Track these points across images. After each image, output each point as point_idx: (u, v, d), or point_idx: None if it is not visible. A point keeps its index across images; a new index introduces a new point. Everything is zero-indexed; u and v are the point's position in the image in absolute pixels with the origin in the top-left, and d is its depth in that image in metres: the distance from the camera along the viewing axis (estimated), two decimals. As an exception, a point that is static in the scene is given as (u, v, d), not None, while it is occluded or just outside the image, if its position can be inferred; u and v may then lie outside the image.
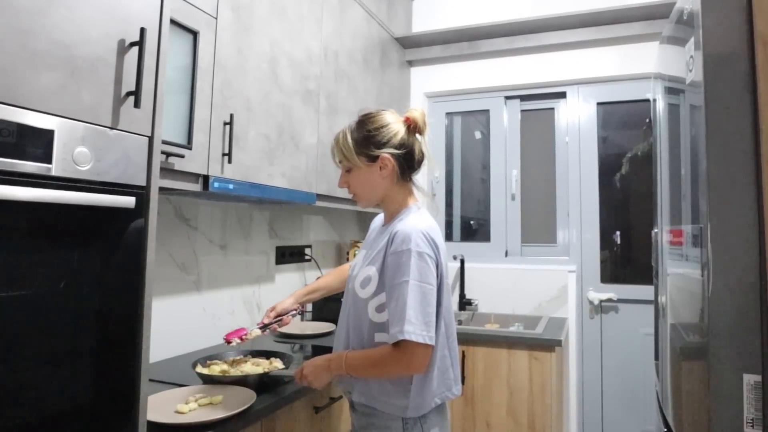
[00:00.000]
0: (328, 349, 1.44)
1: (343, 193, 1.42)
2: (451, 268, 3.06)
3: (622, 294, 2.84)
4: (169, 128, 1.47)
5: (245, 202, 2.23)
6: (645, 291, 2.62)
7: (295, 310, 1.67)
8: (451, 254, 3.02)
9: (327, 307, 2.55)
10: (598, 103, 3.01)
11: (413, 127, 1.39)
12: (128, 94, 1.03)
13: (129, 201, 1.00)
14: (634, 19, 2.76)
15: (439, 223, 3.04)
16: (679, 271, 1.40)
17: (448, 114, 3.38)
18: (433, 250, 1.28)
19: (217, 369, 1.58)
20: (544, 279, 2.94)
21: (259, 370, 1.59)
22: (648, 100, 2.70)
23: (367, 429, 1.32)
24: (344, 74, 2.48)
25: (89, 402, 0.96)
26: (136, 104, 1.03)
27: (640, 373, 2.74)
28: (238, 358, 1.69)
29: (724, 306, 1.08)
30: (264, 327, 1.60)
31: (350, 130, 1.38)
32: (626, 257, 2.94)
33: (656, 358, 1.92)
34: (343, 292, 1.73)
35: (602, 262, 2.93)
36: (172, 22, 1.44)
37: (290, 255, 2.60)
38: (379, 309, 1.29)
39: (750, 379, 1.06)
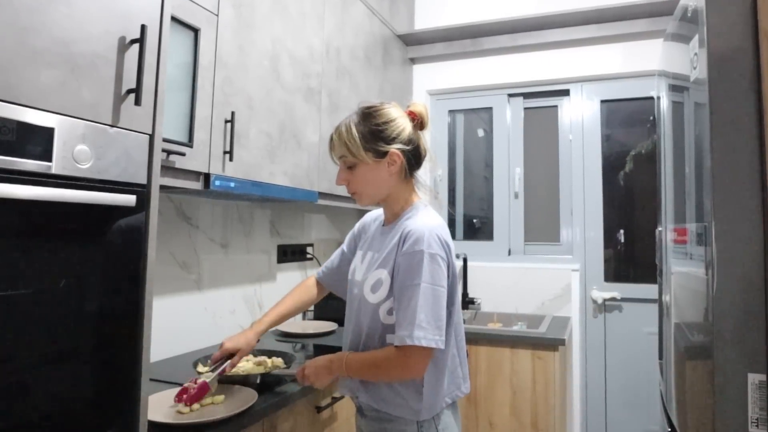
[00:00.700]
0: (329, 348, 1.43)
1: (346, 191, 1.38)
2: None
3: (626, 293, 2.83)
4: (170, 126, 1.46)
5: (246, 201, 2.23)
6: (649, 290, 2.60)
7: (231, 364, 1.44)
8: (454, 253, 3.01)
9: (329, 306, 2.54)
10: (602, 101, 3.00)
11: (418, 122, 1.34)
12: (129, 91, 1.03)
13: (129, 199, 1.00)
14: (638, 16, 2.74)
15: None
16: (684, 270, 1.39)
17: (450, 112, 3.37)
18: (445, 251, 1.24)
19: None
20: (547, 278, 2.93)
21: (261, 369, 1.58)
22: (652, 98, 2.69)
23: None
24: (346, 72, 2.48)
25: (89, 401, 0.96)
26: (137, 102, 1.03)
27: (644, 372, 2.72)
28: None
29: (728, 305, 1.08)
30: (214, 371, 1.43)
31: (354, 124, 1.29)
32: (630, 256, 2.93)
33: (660, 357, 1.92)
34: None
35: (606, 260, 2.92)
36: (173, 19, 1.43)
37: (292, 254, 2.59)
38: (391, 312, 1.26)
39: (755, 379, 1.05)
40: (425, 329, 1.16)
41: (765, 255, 1.06)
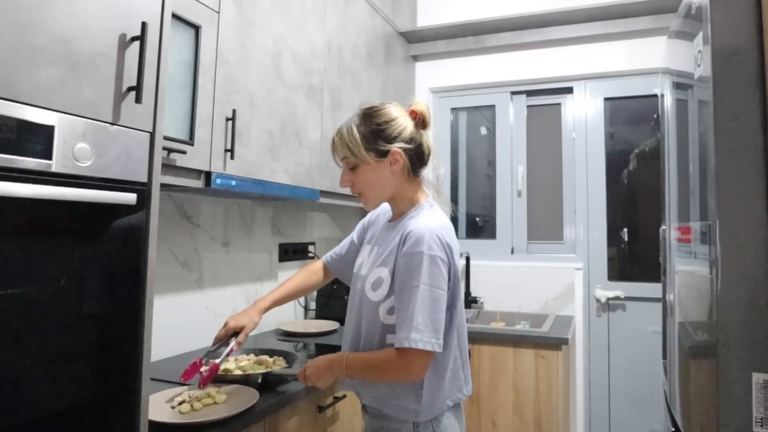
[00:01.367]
0: (331, 348, 1.43)
1: (348, 189, 1.38)
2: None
3: (630, 292, 2.82)
4: (171, 124, 1.45)
5: (248, 199, 2.23)
6: (653, 289, 2.59)
7: (237, 342, 1.45)
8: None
9: (330, 305, 2.55)
10: (606, 99, 2.99)
11: (420, 121, 1.34)
12: (129, 89, 1.02)
13: (130, 197, 1.00)
14: (641, 13, 2.73)
15: (445, 219, 3.02)
16: (688, 269, 1.38)
17: (453, 109, 3.36)
18: (446, 252, 1.23)
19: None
20: (550, 276, 2.92)
21: (263, 369, 1.58)
22: (656, 96, 2.68)
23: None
24: (348, 69, 2.47)
25: (90, 401, 0.95)
26: (138, 99, 1.02)
27: (648, 372, 2.72)
28: (240, 356, 1.69)
29: (732, 304, 1.07)
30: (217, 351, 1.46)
31: (355, 125, 1.30)
32: (634, 254, 2.92)
33: (664, 356, 1.91)
34: (335, 289, 1.69)
35: (609, 259, 2.91)
36: (174, 16, 1.43)
37: (293, 252, 2.59)
38: (391, 311, 1.25)
39: (759, 378, 1.05)
40: (422, 332, 1.16)
41: (770, 253, 1.06)
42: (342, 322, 1.56)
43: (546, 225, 3.11)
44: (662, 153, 1.95)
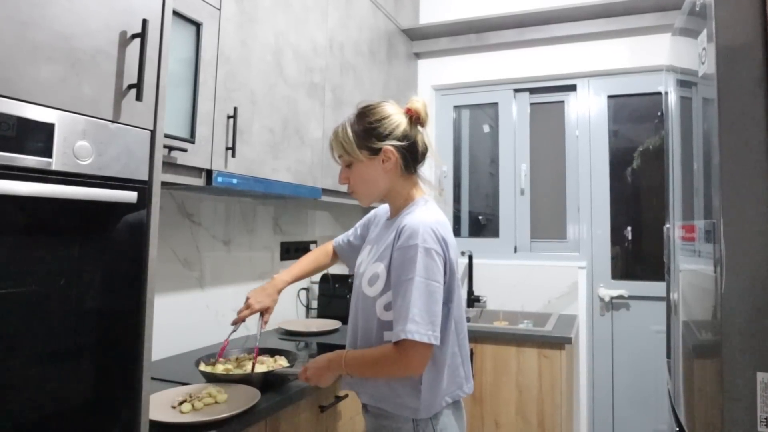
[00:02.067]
0: (333, 347, 1.43)
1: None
2: (459, 264, 3.03)
3: (634, 291, 2.81)
4: (172, 122, 1.45)
5: (249, 197, 2.22)
6: (657, 287, 2.59)
7: (264, 322, 1.56)
8: (459, 250, 2.99)
9: (332, 304, 2.54)
10: (609, 96, 2.98)
11: (415, 119, 1.34)
12: (130, 86, 1.02)
13: (131, 196, 0.99)
14: (645, 10, 2.72)
15: (447, 218, 3.03)
16: (692, 268, 1.38)
17: (456, 107, 3.36)
18: (441, 246, 1.23)
19: (220, 367, 1.56)
20: (553, 275, 2.91)
21: (264, 368, 1.57)
22: (660, 93, 2.67)
23: (379, 431, 1.29)
24: (350, 66, 2.46)
25: (90, 400, 0.95)
26: (138, 97, 1.02)
27: (652, 371, 2.71)
28: (242, 356, 1.68)
29: (737, 303, 1.07)
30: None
31: (350, 123, 1.33)
32: (637, 253, 2.91)
33: (668, 356, 1.91)
34: (337, 288, 1.72)
35: (613, 258, 2.90)
36: (175, 13, 1.43)
37: (295, 251, 2.58)
38: (387, 307, 1.25)
39: (764, 378, 1.05)
40: (418, 324, 1.15)
41: (775, 252, 1.05)
42: (344, 321, 1.56)
43: (549, 223, 3.10)
44: (666, 151, 1.95)
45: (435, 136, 3.30)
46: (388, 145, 1.30)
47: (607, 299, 2.83)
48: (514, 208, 3.13)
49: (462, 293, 1.42)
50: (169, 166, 1.44)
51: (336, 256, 1.69)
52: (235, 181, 1.67)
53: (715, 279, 1.10)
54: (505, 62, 3.11)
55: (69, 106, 0.91)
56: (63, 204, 0.90)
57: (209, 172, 1.59)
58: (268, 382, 1.51)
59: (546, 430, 2.30)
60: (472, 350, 2.40)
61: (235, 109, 1.66)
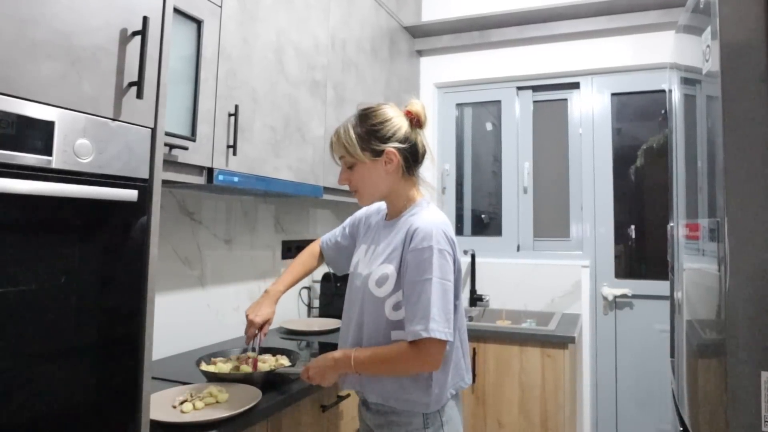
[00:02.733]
0: (335, 346, 1.42)
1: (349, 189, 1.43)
2: (462, 263, 3.03)
3: (637, 289, 2.80)
4: (173, 120, 1.45)
5: (250, 196, 2.22)
6: (660, 286, 2.58)
7: (263, 334, 1.55)
8: (461, 249, 2.99)
9: (334, 303, 2.54)
10: (613, 94, 2.96)
11: (415, 121, 1.38)
12: (130, 84, 1.02)
13: (131, 194, 0.99)
14: (649, 7, 2.71)
15: (450, 216, 3.02)
16: (696, 266, 1.38)
17: (458, 105, 3.34)
18: (451, 246, 1.28)
19: (221, 366, 1.56)
20: (556, 274, 2.90)
21: (265, 367, 1.56)
22: (663, 91, 2.66)
23: (386, 427, 1.31)
24: (352, 64, 2.45)
25: (91, 400, 0.95)
26: (139, 95, 1.02)
27: (656, 370, 2.70)
28: (243, 355, 1.68)
29: (741, 302, 1.07)
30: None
31: (352, 125, 1.35)
32: (641, 252, 2.90)
33: (672, 355, 1.90)
34: (339, 286, 1.72)
35: (616, 256, 2.89)
36: (176, 10, 1.42)
37: (297, 249, 2.58)
38: (396, 307, 1.28)
39: (768, 377, 1.03)
40: (438, 322, 1.20)
41: (779, 251, 1.05)
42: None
43: (552, 222, 3.09)
44: (670, 149, 1.94)
45: (437, 135, 3.29)
46: (391, 147, 1.33)
47: (610, 298, 2.82)
48: (516, 206, 3.12)
49: (463, 292, 1.45)
50: (170, 164, 1.44)
51: (322, 257, 1.68)
52: (236, 179, 1.67)
53: (719, 278, 1.10)
54: (507, 60, 3.10)
55: (69, 103, 0.91)
56: (63, 202, 0.89)
57: (210, 171, 1.59)
58: (270, 382, 1.50)
59: (549, 429, 2.29)
60: (474, 349, 2.40)
61: (237, 107, 1.66)
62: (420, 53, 3.31)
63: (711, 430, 1.18)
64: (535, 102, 3.17)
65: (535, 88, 3.15)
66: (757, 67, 1.08)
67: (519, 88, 3.17)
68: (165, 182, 1.48)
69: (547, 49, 3.01)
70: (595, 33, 2.88)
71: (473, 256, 3.01)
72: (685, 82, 1.58)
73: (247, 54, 1.74)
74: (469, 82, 3.24)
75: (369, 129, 1.33)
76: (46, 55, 0.88)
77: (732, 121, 1.09)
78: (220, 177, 1.60)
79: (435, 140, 3.27)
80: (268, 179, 1.84)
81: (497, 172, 3.21)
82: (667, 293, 1.99)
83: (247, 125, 1.73)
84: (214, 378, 1.49)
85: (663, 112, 2.79)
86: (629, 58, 2.84)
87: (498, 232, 3.16)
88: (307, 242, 2.66)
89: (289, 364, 1.62)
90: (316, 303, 2.68)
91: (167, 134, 1.36)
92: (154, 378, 1.45)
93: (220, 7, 1.62)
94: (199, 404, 1.31)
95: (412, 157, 1.37)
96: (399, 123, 1.35)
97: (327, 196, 2.24)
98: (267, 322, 1.52)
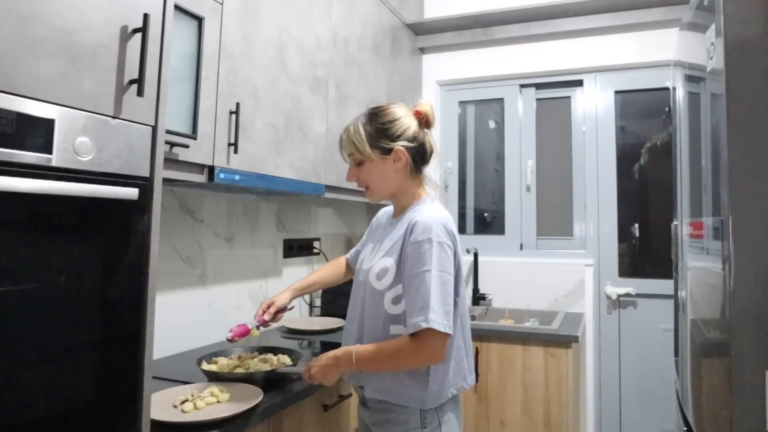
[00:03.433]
0: (337, 345, 1.42)
1: (353, 184, 1.45)
2: (465, 261, 3.02)
3: (641, 288, 2.79)
4: (173, 117, 1.44)
5: (252, 194, 2.22)
6: (664, 285, 2.57)
7: (290, 308, 1.65)
8: (464, 247, 2.98)
9: (336, 302, 2.53)
10: (616, 92, 2.95)
11: (424, 121, 1.40)
12: (131, 82, 1.01)
13: (132, 192, 0.99)
14: (653, 4, 2.70)
15: (452, 215, 3.01)
16: (700, 265, 1.37)
17: (461, 103, 3.34)
18: (451, 240, 1.29)
19: (223, 366, 1.56)
20: (560, 273, 2.89)
21: (267, 366, 1.56)
22: (667, 89, 2.65)
23: (383, 425, 1.31)
24: (354, 62, 2.45)
25: (91, 400, 0.94)
26: (140, 93, 1.01)
27: (660, 370, 2.69)
28: (244, 354, 1.68)
29: (746, 301, 1.07)
30: (264, 324, 1.58)
31: (362, 123, 1.37)
32: (645, 250, 2.89)
33: (676, 354, 1.90)
34: (341, 285, 1.76)
35: (620, 255, 2.88)
36: (177, 7, 1.41)
37: (298, 248, 2.58)
38: (396, 300, 1.30)
39: (773, 376, 1.03)
40: (437, 313, 1.20)
41: (784, 250, 1.04)
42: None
43: (555, 220, 3.08)
44: (674, 147, 1.94)
45: (440, 133, 3.28)
46: (400, 146, 1.35)
47: (614, 297, 2.81)
48: (519, 204, 3.11)
49: (466, 290, 1.46)
50: (171, 162, 1.43)
51: (349, 270, 1.75)
52: (237, 177, 1.66)
53: (724, 276, 1.10)
54: (510, 57, 3.09)
55: (69, 101, 0.91)
56: (63, 201, 0.89)
57: (211, 169, 1.58)
58: (271, 381, 1.50)
59: (552, 429, 2.28)
60: (477, 349, 2.39)
61: (238, 104, 1.65)
62: (422, 50, 3.30)
63: (715, 430, 1.17)
64: (538, 100, 3.16)
65: (539, 86, 3.14)
66: (762, 65, 1.08)
67: (522, 86, 3.16)
68: (166, 180, 1.47)
69: (551, 46, 3.00)
70: (599, 30, 2.87)
71: (476, 255, 3.00)
72: (689, 79, 1.57)
73: (248, 51, 1.73)
74: (471, 80, 3.23)
75: (378, 127, 1.36)
76: (47, 52, 0.87)
77: (736, 118, 1.10)
78: (221, 175, 1.60)
79: (438, 138, 3.26)
80: (270, 177, 1.83)
81: (500, 170, 3.21)
82: (671, 292, 1.98)
83: (248, 123, 1.73)
84: (215, 377, 1.48)
85: (667, 109, 2.78)
86: (633, 55, 2.83)
87: (501, 230, 3.16)
88: (309, 240, 2.67)
89: (291, 363, 1.62)
90: (318, 302, 2.67)
91: (168, 132, 1.35)
92: (154, 377, 1.45)
93: (221, 4, 1.61)
94: (200, 404, 1.30)
95: (420, 156, 1.39)
96: (408, 122, 1.37)
97: (329, 195, 2.23)
98: (280, 307, 1.59)
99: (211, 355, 1.63)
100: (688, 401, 1.49)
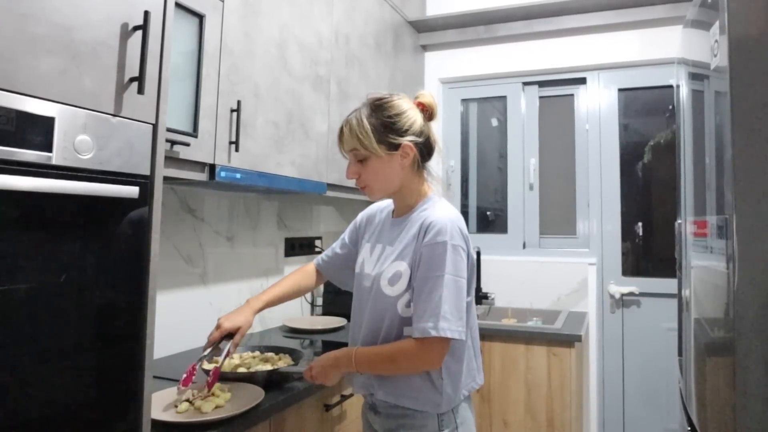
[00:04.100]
0: (338, 345, 1.41)
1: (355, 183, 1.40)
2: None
3: (645, 287, 2.78)
4: (174, 115, 1.43)
5: (253, 192, 2.21)
6: (668, 284, 2.56)
7: (234, 344, 1.42)
8: (466, 245, 2.99)
9: (337, 301, 2.53)
10: (620, 90, 2.94)
11: (428, 114, 1.33)
12: (132, 80, 1.01)
13: (132, 191, 0.98)
14: (656, 2, 2.69)
15: (454, 213, 3.01)
16: (704, 264, 1.37)
17: (463, 101, 3.33)
18: (465, 242, 1.25)
19: (224, 365, 1.55)
20: (563, 272, 2.89)
21: (268, 366, 1.56)
22: (671, 87, 2.64)
23: (399, 430, 1.27)
24: (356, 59, 2.44)
25: (91, 399, 0.94)
26: (140, 90, 1.01)
27: (663, 369, 2.68)
28: (246, 354, 1.67)
29: (750, 300, 1.06)
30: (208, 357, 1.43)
31: (365, 116, 1.27)
32: (648, 249, 2.88)
33: (679, 353, 1.90)
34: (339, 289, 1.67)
35: (623, 254, 2.88)
36: (177, 5, 1.41)
37: (300, 247, 2.58)
38: (409, 304, 1.25)
39: (777, 376, 1.02)
40: (449, 320, 1.17)
41: (788, 248, 1.04)
42: (349, 318, 1.55)
43: (558, 219, 3.07)
44: (677, 145, 1.93)
45: (442, 130, 3.27)
46: (408, 141, 1.27)
47: (617, 296, 2.80)
48: (522, 203, 3.10)
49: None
50: (172, 160, 1.43)
51: (320, 276, 1.61)
52: (238, 175, 1.66)
53: (728, 275, 1.09)
54: (513, 55, 3.08)
55: (69, 99, 0.90)
56: (63, 199, 0.89)
57: (212, 167, 1.58)
58: (272, 381, 1.49)
59: (555, 428, 2.28)
60: (481, 348, 2.39)
61: (239, 102, 1.65)
62: (425, 48, 3.29)
63: (719, 430, 1.17)
64: (541, 97, 3.15)
65: (541, 84, 3.13)
66: (766, 62, 1.07)
67: (525, 84, 3.15)
68: (166, 179, 1.47)
69: (554, 43, 2.99)
70: (602, 28, 2.86)
71: (478, 254, 2.99)
72: (693, 77, 1.57)
73: (249, 49, 1.73)
74: (474, 78, 3.22)
75: (385, 121, 1.27)
76: (46, 50, 0.87)
77: (740, 116, 1.09)
78: (222, 173, 1.59)
79: (440, 136, 3.25)
80: (271, 176, 1.83)
81: (503, 168, 3.20)
82: (675, 291, 1.98)
83: (249, 121, 1.72)
84: (216, 377, 1.48)
85: (670, 107, 2.77)
86: (636, 53, 2.82)
87: (504, 229, 3.15)
88: (311, 239, 2.67)
89: (292, 363, 1.61)
90: (320, 301, 2.67)
91: (169, 130, 1.35)
92: (155, 377, 1.44)
93: (222, 1, 1.61)
94: (201, 404, 1.29)
95: (427, 151, 1.33)
96: (414, 115, 1.29)
97: (330, 193, 2.23)
98: (238, 330, 1.42)
99: (212, 354, 1.62)
100: (692, 401, 1.49)
